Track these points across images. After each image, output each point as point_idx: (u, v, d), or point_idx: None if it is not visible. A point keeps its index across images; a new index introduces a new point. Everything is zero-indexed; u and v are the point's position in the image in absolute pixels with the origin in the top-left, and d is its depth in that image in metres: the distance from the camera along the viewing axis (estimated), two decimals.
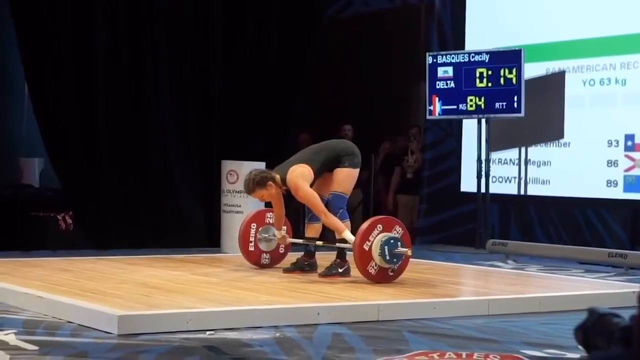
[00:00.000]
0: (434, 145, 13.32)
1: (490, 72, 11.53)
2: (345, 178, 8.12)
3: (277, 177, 8.00)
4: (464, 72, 11.72)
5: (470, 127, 12.36)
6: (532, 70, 11.78)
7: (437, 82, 11.95)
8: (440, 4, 13.24)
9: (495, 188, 12.08)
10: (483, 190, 11.84)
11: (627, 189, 11.14)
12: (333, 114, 13.67)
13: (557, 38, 11.85)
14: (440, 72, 11.93)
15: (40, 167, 14.62)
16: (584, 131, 11.58)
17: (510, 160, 12.25)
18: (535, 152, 12.02)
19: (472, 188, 12.11)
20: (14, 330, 5.62)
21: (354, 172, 8.21)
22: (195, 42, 12.03)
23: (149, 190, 11.74)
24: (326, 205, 7.96)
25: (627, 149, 11.13)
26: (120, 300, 6.42)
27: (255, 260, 8.83)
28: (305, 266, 8.40)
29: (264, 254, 8.85)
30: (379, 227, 7.65)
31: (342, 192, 8.13)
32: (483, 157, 11.84)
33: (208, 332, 5.65)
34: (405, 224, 13.18)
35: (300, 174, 7.92)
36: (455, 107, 11.84)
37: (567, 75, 11.74)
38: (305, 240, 8.41)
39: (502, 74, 11.46)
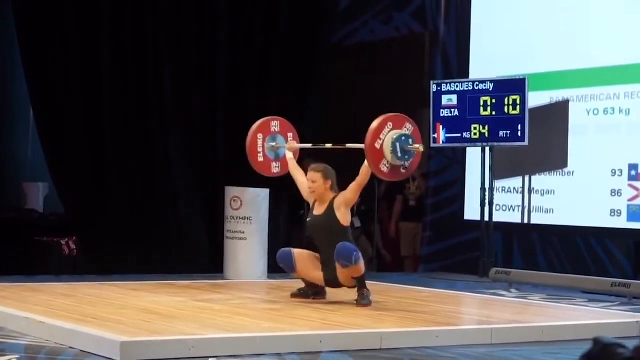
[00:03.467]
0: (438, 172, 13.31)
1: (494, 101, 11.53)
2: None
3: (332, 191, 8.21)
4: (468, 100, 11.73)
5: (474, 155, 12.35)
6: (536, 99, 11.77)
7: (441, 110, 11.96)
8: (445, 33, 13.27)
9: (499, 216, 12.06)
10: (487, 218, 11.83)
11: (630, 218, 11.11)
12: (337, 140, 13.65)
13: (561, 67, 11.86)
14: (445, 100, 11.94)
15: (44, 192, 14.63)
16: (588, 160, 11.57)
17: (514, 188, 12.23)
18: (539, 180, 12.01)
19: (476, 216, 12.08)
20: (16, 356, 5.61)
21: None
22: (199, 69, 12.07)
23: (153, 216, 11.74)
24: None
25: (631, 178, 11.11)
26: (123, 326, 6.41)
27: (267, 170, 9.21)
28: (310, 292, 8.37)
29: (274, 163, 9.21)
30: (390, 125, 7.87)
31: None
32: (487, 185, 11.83)
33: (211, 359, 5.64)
34: (408, 252, 13.30)
35: (347, 204, 8.18)
36: (459, 135, 11.84)
37: (571, 104, 11.74)
38: (314, 145, 8.93)
39: (506, 102, 11.47)
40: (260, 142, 9.04)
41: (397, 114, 8.13)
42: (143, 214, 11.63)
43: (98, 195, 11.44)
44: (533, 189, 12.05)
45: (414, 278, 11.37)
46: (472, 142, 11.81)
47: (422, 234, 13.27)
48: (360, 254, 8.05)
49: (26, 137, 15.23)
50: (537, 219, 11.99)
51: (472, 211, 12.47)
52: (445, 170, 13.24)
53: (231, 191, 10.89)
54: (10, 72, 14.53)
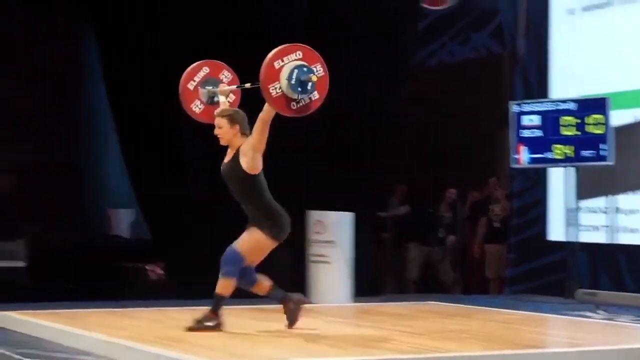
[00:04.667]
0: (521, 193, 13.20)
1: (577, 121, 11.43)
2: (256, 243, 7.77)
3: (242, 136, 7.74)
4: (550, 120, 11.64)
5: (556, 175, 12.24)
6: (620, 117, 11.64)
7: (523, 131, 11.87)
8: (525, 52, 13.18)
9: (584, 237, 11.92)
10: (572, 239, 11.70)
11: None
12: (420, 163, 13.69)
13: None
14: (526, 120, 11.85)
15: (130, 218, 14.82)
16: None
17: (599, 208, 12.09)
18: (625, 200, 11.86)
19: (560, 237, 11.95)
20: None
21: (269, 243, 7.79)
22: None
23: (235, 239, 11.79)
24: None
25: None
26: (209, 350, 6.46)
27: (208, 117, 8.29)
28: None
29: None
30: (299, 54, 7.28)
31: (244, 254, 7.72)
32: (572, 206, 11.71)
33: None
34: (493, 273, 13.20)
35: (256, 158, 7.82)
36: (541, 155, 11.75)
37: None
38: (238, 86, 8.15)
39: (588, 121, 11.36)
40: (192, 87, 8.26)
41: (313, 50, 7.42)
42: (228, 238, 11.67)
43: (184, 219, 11.54)
44: (618, 208, 11.90)
45: (499, 300, 11.28)
46: (556, 162, 11.71)
47: (507, 256, 13.16)
48: (231, 269, 7.54)
49: (112, 164, 15.47)
50: (623, 238, 11.83)
51: (555, 232, 12.35)
52: (528, 190, 13.13)
53: (314, 215, 10.92)
54: (97, 100, 14.80)
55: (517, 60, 13.31)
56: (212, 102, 8.29)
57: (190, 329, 7.43)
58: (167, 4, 11.65)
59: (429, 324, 8.46)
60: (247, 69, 10.61)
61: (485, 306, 10.17)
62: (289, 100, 7.24)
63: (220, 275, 7.53)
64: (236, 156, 7.68)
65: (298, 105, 7.29)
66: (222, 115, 7.71)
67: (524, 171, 12.82)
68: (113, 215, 15.62)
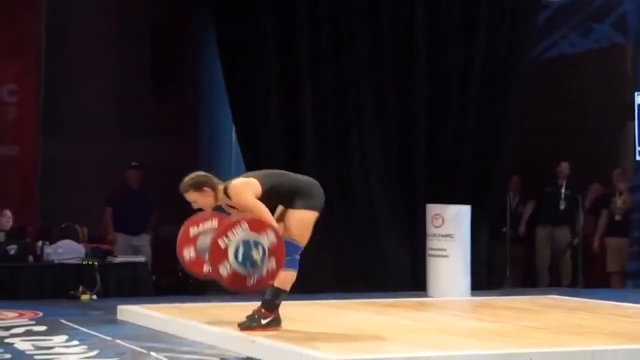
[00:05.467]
0: None
1: None
2: (299, 222, 7.11)
3: (220, 187, 7.01)
4: None
5: None
6: None
7: None
8: None
9: None
10: None
11: None
12: (539, 155, 13.50)
13: None
14: None
15: None
16: None
17: None
18: None
19: None
20: None
21: (309, 215, 7.16)
22: (397, 84, 12.08)
23: (353, 234, 11.82)
24: None
25: None
26: (331, 344, 6.47)
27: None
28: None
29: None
30: (244, 226, 6.71)
31: (295, 239, 7.09)
32: None
33: None
34: (615, 267, 12.96)
35: (245, 183, 6.98)
36: None
37: None
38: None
39: None
40: (192, 233, 7.29)
41: (259, 220, 6.84)
42: (344, 232, 11.72)
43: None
44: None
45: (622, 294, 11.07)
46: None
47: (629, 249, 12.92)
48: (289, 260, 7.00)
49: (228, 159, 15.63)
50: None
51: None
52: None
53: (432, 209, 10.87)
54: (216, 99, 14.98)
55: None
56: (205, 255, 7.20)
57: (245, 328, 6.98)
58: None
59: (551, 318, 8.35)
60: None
61: (608, 300, 9.98)
62: (242, 277, 6.72)
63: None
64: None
65: (253, 281, 6.75)
66: (184, 191, 7.07)
67: None
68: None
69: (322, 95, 11.78)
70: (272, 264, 6.74)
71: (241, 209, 6.95)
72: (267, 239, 6.70)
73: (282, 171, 7.39)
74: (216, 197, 7.00)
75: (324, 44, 11.79)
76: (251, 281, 6.72)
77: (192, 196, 7.02)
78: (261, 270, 6.71)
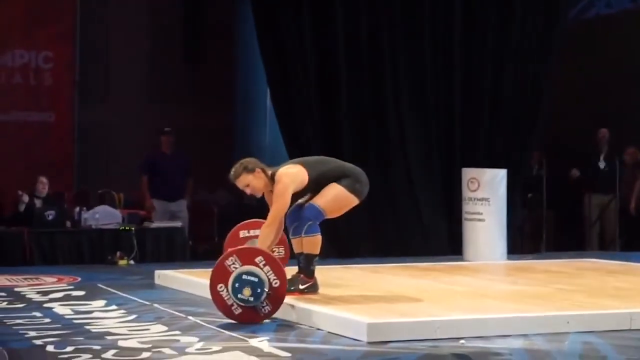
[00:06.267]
0: None
1: None
2: (335, 196, 7.00)
3: (269, 172, 6.92)
4: None
5: None
6: None
7: None
8: None
9: None
10: None
11: None
12: (576, 118, 13.40)
13: None
14: None
15: None
16: None
17: None
18: None
19: None
20: (267, 337, 5.78)
21: (349, 197, 7.02)
22: (434, 50, 12.03)
23: (391, 198, 11.82)
24: (298, 209, 7.00)
25: None
26: (368, 307, 6.48)
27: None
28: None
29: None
30: (234, 260, 6.36)
31: (323, 208, 6.96)
32: None
33: (461, 341, 5.63)
34: None
35: (293, 175, 6.88)
36: None
37: None
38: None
39: None
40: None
41: (244, 248, 6.75)
42: (381, 197, 11.71)
43: None
44: None
45: None
46: None
47: None
48: (312, 224, 6.93)
49: (264, 124, 15.65)
50: None
51: None
52: None
53: (468, 172, 10.84)
54: (251, 66, 15.00)
55: None
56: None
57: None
58: None
59: (588, 281, 8.31)
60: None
61: None
62: (253, 310, 6.36)
63: (304, 235, 6.96)
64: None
65: (239, 311, 6.36)
66: (236, 177, 6.90)
67: None
68: None
69: (358, 56, 11.73)
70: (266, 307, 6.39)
71: (272, 193, 6.87)
72: (261, 269, 6.34)
73: (330, 158, 7.33)
74: (266, 180, 6.90)
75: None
76: (238, 310, 6.35)
77: (244, 180, 6.89)
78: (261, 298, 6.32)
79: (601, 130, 12.96)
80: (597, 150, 12.99)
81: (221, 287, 6.35)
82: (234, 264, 6.36)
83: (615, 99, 13.71)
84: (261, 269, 6.33)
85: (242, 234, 7.63)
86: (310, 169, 6.99)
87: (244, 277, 6.29)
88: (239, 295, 6.28)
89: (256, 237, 7.31)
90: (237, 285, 6.28)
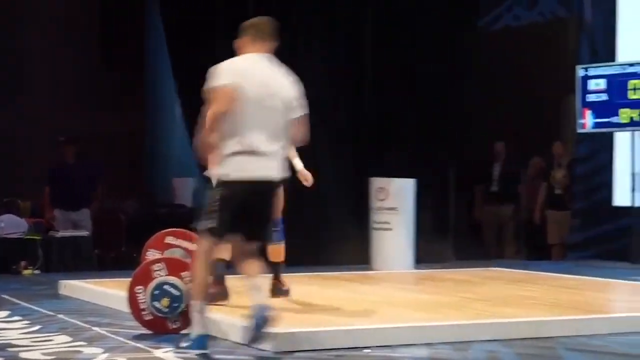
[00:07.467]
0: (586, 159, 13.05)
1: None
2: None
3: None
4: (617, 84, 11.48)
5: (623, 140, 12.09)
6: None
7: (588, 95, 11.74)
8: (591, 16, 12.99)
9: None
10: (638, 204, 11.56)
11: None
12: (482, 128, 13.55)
13: None
14: (592, 84, 11.71)
15: (193, 187, 14.88)
16: None
17: None
18: None
19: (626, 202, 11.82)
20: (172, 348, 5.74)
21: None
22: (346, 56, 12.07)
23: (300, 208, 11.81)
24: None
25: None
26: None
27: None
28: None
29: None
30: (161, 267, 6.32)
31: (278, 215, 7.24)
32: (638, 170, 11.56)
33: (365, 350, 5.66)
34: (555, 240, 13.07)
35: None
36: (607, 120, 11.61)
37: None
38: None
39: None
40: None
41: (175, 258, 6.62)
42: (293, 208, 11.69)
43: None
44: None
45: (563, 266, 11.18)
46: (621, 126, 11.57)
47: (572, 221, 13.03)
48: (278, 233, 7.28)
49: (172, 134, 15.57)
50: None
51: (621, 197, 12.22)
52: (593, 156, 12.98)
53: (377, 182, 10.90)
54: (160, 73, 14.90)
55: (583, 25, 13.14)
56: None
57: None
58: None
59: (493, 289, 8.42)
60: None
61: (550, 272, 10.08)
62: (164, 320, 6.31)
63: (270, 243, 7.18)
64: None
65: (149, 317, 6.34)
66: None
67: (590, 136, 12.67)
68: (178, 184, 15.72)
69: None
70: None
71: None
72: (184, 284, 6.24)
73: None
74: None
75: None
76: (175, 325, 6.30)
77: None
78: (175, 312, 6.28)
79: (496, 145, 13.16)
80: (494, 163, 13.18)
81: (140, 289, 6.30)
82: (159, 270, 6.31)
83: (519, 109, 13.90)
84: (185, 284, 6.26)
85: (168, 239, 7.44)
86: None
87: (166, 287, 6.26)
88: (156, 304, 6.23)
89: (180, 247, 7.26)
90: (156, 292, 6.25)
